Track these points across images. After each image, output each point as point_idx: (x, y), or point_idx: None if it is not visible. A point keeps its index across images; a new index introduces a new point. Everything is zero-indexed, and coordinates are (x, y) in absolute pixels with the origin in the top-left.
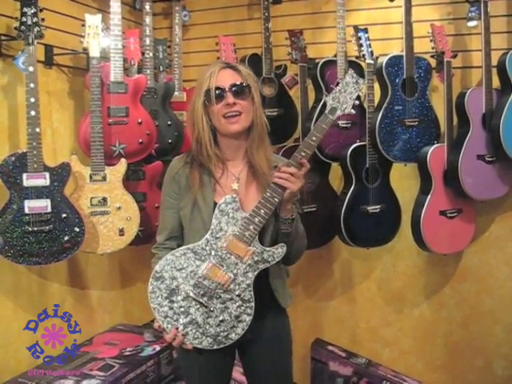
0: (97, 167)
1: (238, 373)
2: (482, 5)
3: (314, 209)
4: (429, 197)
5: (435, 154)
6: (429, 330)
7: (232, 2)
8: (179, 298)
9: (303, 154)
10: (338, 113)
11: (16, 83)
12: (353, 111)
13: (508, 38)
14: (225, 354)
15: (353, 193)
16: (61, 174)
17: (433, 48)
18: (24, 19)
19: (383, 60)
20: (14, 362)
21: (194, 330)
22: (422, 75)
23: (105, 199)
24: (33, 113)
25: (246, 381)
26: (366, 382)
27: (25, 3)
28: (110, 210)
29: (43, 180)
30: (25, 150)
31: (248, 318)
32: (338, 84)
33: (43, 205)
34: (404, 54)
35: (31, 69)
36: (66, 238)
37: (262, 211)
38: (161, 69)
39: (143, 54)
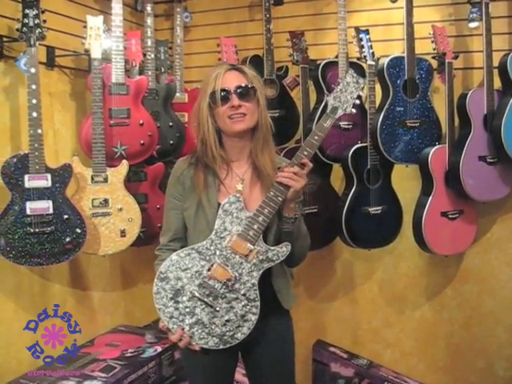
0: (98, 168)
1: (239, 374)
2: (484, 6)
3: (316, 210)
4: (430, 198)
5: (436, 155)
6: (430, 332)
7: (233, 3)
8: (184, 298)
9: (306, 153)
10: (340, 112)
11: (18, 84)
12: (354, 110)
13: (509, 38)
14: (228, 355)
15: (354, 194)
16: (62, 175)
17: (434, 49)
18: (26, 21)
19: (384, 61)
20: (15, 363)
21: (199, 331)
22: (424, 76)
23: (106, 200)
24: (34, 114)
25: (248, 382)
26: (368, 383)
27: (26, 5)
28: (111, 212)
29: (45, 181)
30: (27, 152)
31: (254, 318)
32: (338, 84)
33: (45, 206)
34: (405, 55)
35: (33, 70)
36: (68, 240)
37: (266, 210)
38: (162, 70)
39: (145, 55)
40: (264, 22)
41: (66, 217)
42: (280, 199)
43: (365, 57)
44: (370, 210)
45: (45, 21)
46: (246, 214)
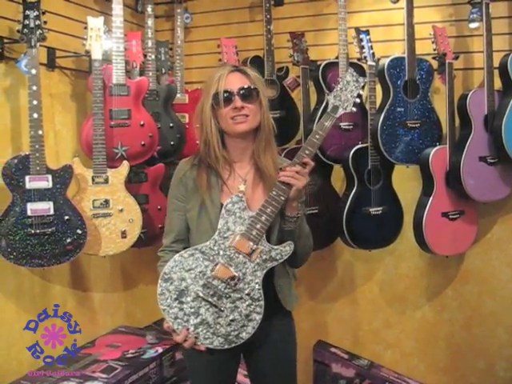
0: (99, 169)
1: (240, 375)
2: (484, 6)
3: (316, 211)
4: (431, 198)
5: (437, 155)
6: (431, 332)
7: (234, 4)
8: (189, 298)
9: (307, 152)
10: (340, 111)
11: (18, 86)
12: (354, 109)
13: (510, 39)
14: (231, 356)
15: (355, 194)
16: (63, 176)
17: (434, 50)
18: (26, 22)
19: (385, 62)
20: (16, 364)
21: (204, 331)
22: (424, 77)
23: (107, 201)
24: (35, 115)
25: (249, 383)
26: (369, 383)
27: (27, 6)
28: (112, 212)
29: (46, 182)
30: (27, 153)
31: (258, 317)
32: (338, 83)
33: (46, 207)
34: (406, 55)
35: (34, 71)
36: (69, 241)
37: (269, 209)
38: (163, 71)
39: (145, 56)
40: (264, 23)
41: (66, 218)
42: (282, 198)
43: (365, 57)
44: (370, 210)
45: (45, 22)
46: (249, 214)
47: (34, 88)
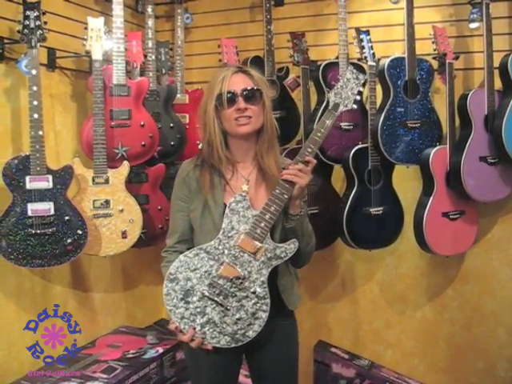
0: (99, 170)
1: (241, 375)
2: (484, 6)
3: (317, 211)
4: (431, 198)
5: (437, 155)
6: (431, 332)
7: (234, 4)
8: (195, 298)
9: (309, 150)
10: (341, 108)
11: (19, 86)
12: (355, 106)
13: (510, 39)
14: (233, 356)
15: (355, 195)
16: (63, 176)
17: (435, 50)
18: (27, 22)
19: (385, 62)
20: (16, 364)
21: (211, 330)
22: (424, 77)
23: (107, 202)
24: (36, 116)
25: (250, 383)
26: (369, 383)
27: (27, 6)
28: (112, 213)
29: (46, 183)
30: (28, 153)
31: (264, 315)
32: (338, 81)
33: (46, 207)
34: (406, 55)
35: (34, 72)
36: (69, 241)
37: (273, 208)
38: (163, 71)
39: (145, 56)
40: (265, 23)
41: (67, 218)
42: (286, 196)
43: (365, 57)
44: (370, 210)
45: (46, 22)
46: (253, 213)
47: (35, 88)
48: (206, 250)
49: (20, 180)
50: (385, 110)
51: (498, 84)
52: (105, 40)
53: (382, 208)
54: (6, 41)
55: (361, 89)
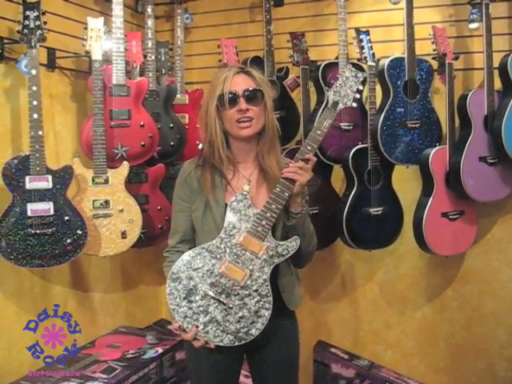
0: (99, 170)
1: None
2: (484, 7)
3: (316, 211)
4: (431, 199)
5: (437, 155)
6: (431, 332)
7: (234, 4)
8: (197, 297)
9: (309, 148)
10: (340, 106)
11: (19, 86)
12: (354, 104)
13: (509, 39)
14: (235, 356)
15: (355, 195)
16: (63, 176)
17: (434, 50)
18: (26, 22)
19: (385, 62)
20: (16, 364)
21: (214, 329)
22: (424, 77)
23: (107, 202)
24: (35, 116)
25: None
26: (369, 383)
27: (27, 6)
28: (112, 213)
29: (46, 183)
30: (27, 153)
31: (267, 313)
32: (337, 79)
33: (46, 207)
34: (406, 56)
35: (34, 72)
36: (69, 241)
37: (274, 206)
38: (163, 71)
39: (145, 56)
40: (264, 23)
41: (66, 218)
42: (286, 194)
43: (365, 58)
44: (370, 210)
45: (45, 22)
46: (254, 211)
47: (34, 88)
48: (207, 249)
49: (20, 180)
50: (384, 111)
51: (497, 84)
52: (104, 40)
53: (381, 208)
54: (5, 41)
55: (360, 87)
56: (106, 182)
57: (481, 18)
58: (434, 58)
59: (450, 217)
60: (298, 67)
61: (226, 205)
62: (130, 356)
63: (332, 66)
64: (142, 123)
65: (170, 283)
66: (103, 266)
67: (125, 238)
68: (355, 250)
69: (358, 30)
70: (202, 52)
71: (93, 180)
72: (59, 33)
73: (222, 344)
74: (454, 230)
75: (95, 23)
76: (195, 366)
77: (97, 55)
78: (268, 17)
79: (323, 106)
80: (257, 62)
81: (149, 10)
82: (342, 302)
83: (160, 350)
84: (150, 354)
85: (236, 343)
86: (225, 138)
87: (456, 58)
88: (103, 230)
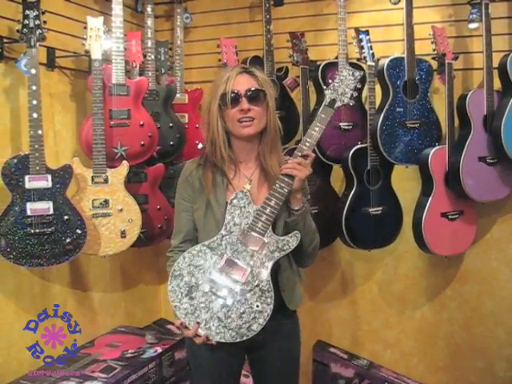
0: (99, 169)
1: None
2: (483, 7)
3: (316, 211)
4: (430, 199)
5: (436, 155)
6: (430, 332)
7: (234, 4)
8: (199, 294)
9: (308, 144)
10: (338, 103)
11: (18, 85)
12: (352, 102)
13: (509, 39)
14: (235, 354)
15: (354, 195)
16: (63, 176)
17: (434, 50)
18: (26, 22)
19: (384, 62)
20: (16, 364)
21: (216, 325)
22: (424, 77)
23: (107, 201)
24: (35, 115)
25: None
26: (368, 383)
27: (27, 6)
28: (111, 212)
29: (45, 182)
30: (27, 152)
31: (269, 308)
32: (335, 78)
33: (45, 207)
34: (405, 55)
35: (33, 71)
36: (68, 240)
37: (273, 202)
38: (162, 71)
39: (145, 56)
40: (264, 23)
41: (66, 217)
42: (286, 190)
43: (365, 57)
44: (370, 210)
45: (45, 22)
46: (254, 208)
47: (34, 88)
48: (208, 245)
49: (19, 179)
50: (384, 110)
51: (497, 84)
52: (104, 39)
53: (381, 208)
54: (5, 40)
55: (357, 85)
56: (106, 181)
57: (480, 17)
58: (433, 58)
59: (450, 217)
60: (298, 67)
61: (227, 204)
62: (129, 355)
63: (332, 65)
64: (141, 123)
65: (172, 280)
66: (103, 266)
67: (124, 237)
68: (354, 250)
69: (357, 30)
70: (201, 51)
71: (92, 179)
72: (59, 32)
73: (223, 340)
74: (453, 230)
75: (95, 22)
76: (196, 366)
77: (96, 54)
78: (268, 16)
79: (322, 107)
80: (256, 61)
81: (148, 9)
82: (341, 302)
83: (159, 350)
84: (150, 353)
85: (238, 339)
86: (227, 137)
87: (455, 58)
88: (103, 229)
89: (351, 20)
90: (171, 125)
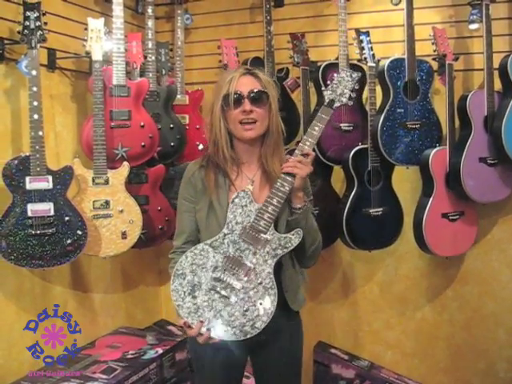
0: (99, 170)
1: None
2: (484, 7)
3: (317, 211)
4: (431, 199)
5: (437, 156)
6: (431, 333)
7: (234, 5)
8: (202, 292)
9: (308, 143)
10: (337, 104)
11: (19, 87)
12: (350, 102)
13: (509, 40)
14: (238, 355)
15: (355, 195)
16: (63, 177)
17: (434, 51)
18: (27, 23)
19: (385, 63)
20: (16, 365)
21: (219, 323)
22: (424, 78)
23: (107, 202)
24: (36, 116)
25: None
26: None
27: (28, 7)
28: (112, 213)
29: (46, 183)
30: (28, 154)
31: (272, 306)
32: (333, 79)
33: (46, 208)
34: (406, 56)
35: (34, 72)
36: (69, 241)
37: (275, 200)
38: (163, 72)
39: (145, 57)
40: (265, 24)
41: (67, 219)
42: (287, 188)
43: (365, 58)
44: (370, 211)
45: (46, 23)
46: (256, 206)
47: (35, 89)
48: (211, 244)
49: (20, 180)
50: (385, 111)
51: (497, 85)
52: (105, 41)
53: (381, 209)
54: (6, 41)
55: (355, 86)
56: (107, 182)
57: (481, 18)
58: (434, 59)
59: (450, 217)
60: (299, 68)
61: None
62: (130, 356)
63: (332, 66)
64: (142, 124)
65: (175, 279)
66: (103, 267)
67: (125, 238)
68: (355, 251)
69: (358, 31)
70: (202, 53)
71: (93, 180)
72: (60, 33)
73: (227, 338)
74: (454, 231)
75: (95, 24)
76: (199, 367)
77: (97, 56)
78: (268, 17)
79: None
80: (257, 62)
81: (149, 10)
82: (342, 303)
83: (160, 351)
84: (150, 354)
85: (242, 337)
86: (229, 138)
87: (456, 59)
88: (103, 230)
89: (352, 21)
90: (172, 126)
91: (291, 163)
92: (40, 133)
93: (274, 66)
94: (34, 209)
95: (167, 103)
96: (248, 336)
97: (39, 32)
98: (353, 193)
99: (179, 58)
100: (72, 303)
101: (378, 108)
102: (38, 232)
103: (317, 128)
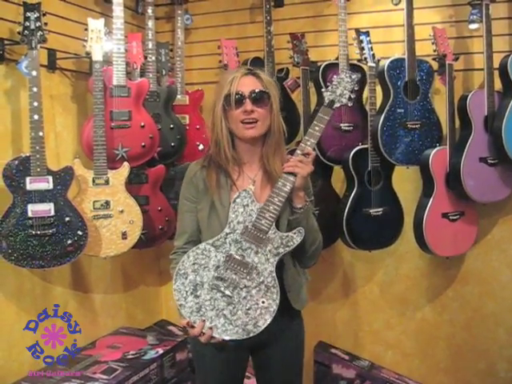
0: (100, 171)
1: None
2: (484, 7)
3: (317, 211)
4: (431, 199)
5: (437, 156)
6: (431, 333)
7: (234, 5)
8: (204, 291)
9: (308, 143)
10: (336, 104)
11: (19, 87)
12: (350, 103)
13: (510, 40)
14: (240, 355)
15: (355, 195)
16: (64, 177)
17: (435, 51)
18: (27, 24)
19: (385, 63)
20: (16, 365)
21: (222, 322)
22: (424, 78)
23: (108, 203)
24: (36, 117)
25: None
26: None
27: (28, 8)
28: (112, 214)
29: (46, 184)
30: (28, 154)
31: (274, 304)
32: (333, 80)
33: (46, 208)
34: (406, 56)
35: (34, 73)
36: (69, 242)
37: (276, 199)
38: (163, 72)
39: (146, 57)
40: (265, 24)
41: (67, 219)
42: (288, 187)
43: (365, 58)
44: (370, 211)
45: (46, 23)
46: (257, 206)
47: (35, 89)
48: (213, 244)
49: (20, 181)
50: (385, 111)
51: (497, 85)
52: (105, 41)
53: (381, 209)
54: (6, 42)
55: (355, 87)
56: (107, 182)
57: (481, 18)
58: (434, 59)
59: (451, 217)
60: (299, 68)
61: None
62: (130, 357)
63: (332, 66)
64: (142, 124)
65: (177, 279)
66: (104, 267)
67: (125, 238)
68: (355, 251)
69: (358, 31)
70: (202, 53)
71: (93, 181)
72: (60, 34)
73: (229, 337)
74: (454, 231)
75: (96, 24)
76: (200, 367)
77: (97, 56)
78: (268, 18)
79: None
80: (257, 62)
81: (149, 11)
82: (342, 303)
83: (160, 351)
84: (151, 354)
85: (244, 336)
86: (231, 138)
87: (456, 59)
88: (104, 230)
89: (352, 21)
90: (172, 126)
91: (292, 163)
92: (40, 133)
93: (274, 66)
94: (34, 209)
95: (167, 103)
96: (251, 335)
97: (39, 32)
98: (353, 193)
99: (179, 59)
100: (72, 303)
101: (378, 108)
102: (39, 232)
103: (317, 128)
